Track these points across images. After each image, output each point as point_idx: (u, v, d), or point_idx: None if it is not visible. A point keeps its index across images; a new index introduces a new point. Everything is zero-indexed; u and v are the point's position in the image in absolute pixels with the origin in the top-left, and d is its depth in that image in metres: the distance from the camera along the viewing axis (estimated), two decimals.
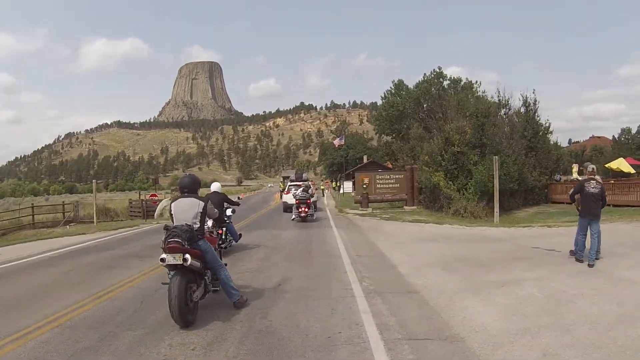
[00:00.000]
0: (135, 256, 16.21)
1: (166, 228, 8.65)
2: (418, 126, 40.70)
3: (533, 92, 40.88)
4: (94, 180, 37.75)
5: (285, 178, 46.69)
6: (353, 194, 65.74)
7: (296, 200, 28.59)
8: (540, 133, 40.29)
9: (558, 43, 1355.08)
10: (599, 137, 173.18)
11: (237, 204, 17.68)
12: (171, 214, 9.18)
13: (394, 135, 76.97)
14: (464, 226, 23.55)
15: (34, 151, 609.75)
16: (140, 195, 47.71)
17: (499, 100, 38.86)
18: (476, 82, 38.81)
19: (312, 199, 29.56)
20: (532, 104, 40.60)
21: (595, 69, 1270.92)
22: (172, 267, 8.38)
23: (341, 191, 67.25)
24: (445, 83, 69.49)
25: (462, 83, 69.52)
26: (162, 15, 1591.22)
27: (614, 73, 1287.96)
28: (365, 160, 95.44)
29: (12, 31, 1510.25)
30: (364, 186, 36.51)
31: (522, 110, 40.50)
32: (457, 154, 32.65)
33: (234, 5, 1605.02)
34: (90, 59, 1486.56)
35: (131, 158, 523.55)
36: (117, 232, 25.69)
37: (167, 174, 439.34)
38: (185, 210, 9.00)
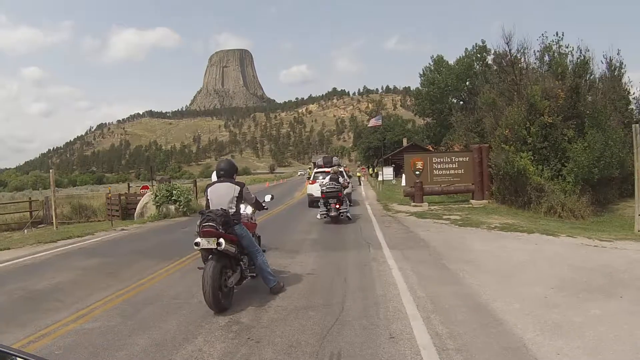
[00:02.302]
0: None
1: (201, 212, 8.50)
2: (489, 90, 30.50)
3: (618, 53, 31.31)
4: (51, 170, 28.63)
5: (315, 164, 37.94)
6: (394, 181, 59.09)
7: (322, 193, 20.44)
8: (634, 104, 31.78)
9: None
10: None
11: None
12: (207, 199, 9.02)
13: (434, 116, 69.43)
14: (601, 240, 14.18)
15: (66, 142, 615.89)
16: (129, 187, 39.25)
17: (580, 60, 28.70)
18: (557, 34, 28.46)
19: (345, 191, 21.28)
20: (617, 68, 31.05)
21: None
22: (206, 251, 8.24)
23: (380, 178, 57.71)
24: (489, 58, 61.10)
25: (508, 58, 60.30)
26: (190, 3, 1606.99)
27: None
28: (405, 144, 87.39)
29: (37, 25, 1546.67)
30: (417, 173, 26.85)
31: (608, 74, 30.75)
32: (548, 127, 23.65)
33: None
34: (119, 50, 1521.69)
35: (163, 147, 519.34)
36: (54, 247, 16.65)
37: (200, 162, 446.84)
38: (221, 195, 8.78)
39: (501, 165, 24.14)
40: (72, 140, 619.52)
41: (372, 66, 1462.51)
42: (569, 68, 26.36)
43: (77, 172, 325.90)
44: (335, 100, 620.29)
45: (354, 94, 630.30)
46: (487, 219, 19.87)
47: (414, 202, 26.49)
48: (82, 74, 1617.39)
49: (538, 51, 28.37)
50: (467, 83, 66.72)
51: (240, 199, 8.83)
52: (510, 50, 29.63)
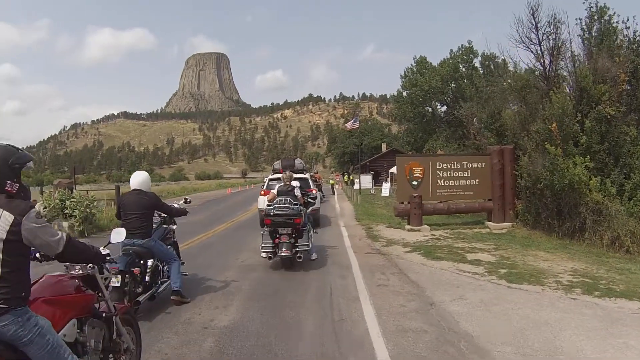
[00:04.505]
0: None
1: None
2: (515, 70, 22.85)
3: None
4: None
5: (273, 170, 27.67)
6: (373, 190, 51.80)
7: (266, 218, 12.01)
8: None
9: None
10: None
11: (182, 213, 9.72)
12: None
13: (416, 120, 63.49)
14: None
15: (40, 142, 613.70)
16: (42, 191, 31.46)
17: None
18: (596, 5, 20.98)
19: (309, 208, 14.14)
20: None
21: None
22: None
23: (356, 186, 49.96)
24: (477, 61, 58.00)
25: (498, 61, 54.19)
26: (167, 5, 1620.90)
27: None
28: (384, 149, 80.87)
29: (13, 22, 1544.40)
30: (414, 183, 18.98)
31: None
32: (605, 121, 16.51)
33: None
34: (95, 50, 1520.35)
35: (136, 149, 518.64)
36: None
37: (172, 165, 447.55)
38: None
39: (542, 175, 16.33)
40: (45, 139, 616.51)
41: (349, 73, 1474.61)
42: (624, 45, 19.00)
43: (48, 172, 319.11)
44: (310, 106, 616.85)
45: (329, 100, 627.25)
46: (535, 259, 12.53)
47: (409, 224, 18.74)
48: (58, 73, 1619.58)
49: (586, 17, 20.52)
50: (453, 86, 61.06)
51: (22, 249, 3.74)
52: (537, 23, 21.83)
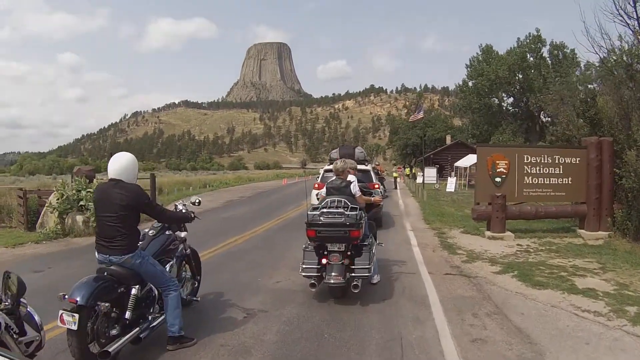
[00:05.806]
0: None
1: None
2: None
3: None
4: None
5: (330, 160, 23.48)
6: (437, 185, 47.76)
7: (310, 229, 8.24)
8: None
9: None
10: None
11: (184, 219, 7.14)
12: None
13: (481, 112, 61.27)
14: None
15: (100, 129, 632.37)
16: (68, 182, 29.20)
17: None
18: None
19: (365, 221, 8.79)
20: None
21: None
22: None
23: (418, 180, 46.26)
24: (545, 50, 60.17)
25: (567, 51, 58.85)
26: None
27: None
28: (449, 141, 78.07)
29: (73, 11, 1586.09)
30: (497, 180, 15.72)
31: None
32: None
33: None
34: (156, 39, 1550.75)
35: (196, 137, 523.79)
36: None
37: (232, 154, 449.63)
38: None
39: None
40: (106, 127, 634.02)
41: (412, 64, 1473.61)
42: None
43: (106, 160, 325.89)
44: (372, 97, 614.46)
45: (391, 91, 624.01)
46: None
47: (489, 230, 15.58)
48: (118, 61, 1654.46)
49: None
50: (520, 76, 60.42)
51: None
52: None
